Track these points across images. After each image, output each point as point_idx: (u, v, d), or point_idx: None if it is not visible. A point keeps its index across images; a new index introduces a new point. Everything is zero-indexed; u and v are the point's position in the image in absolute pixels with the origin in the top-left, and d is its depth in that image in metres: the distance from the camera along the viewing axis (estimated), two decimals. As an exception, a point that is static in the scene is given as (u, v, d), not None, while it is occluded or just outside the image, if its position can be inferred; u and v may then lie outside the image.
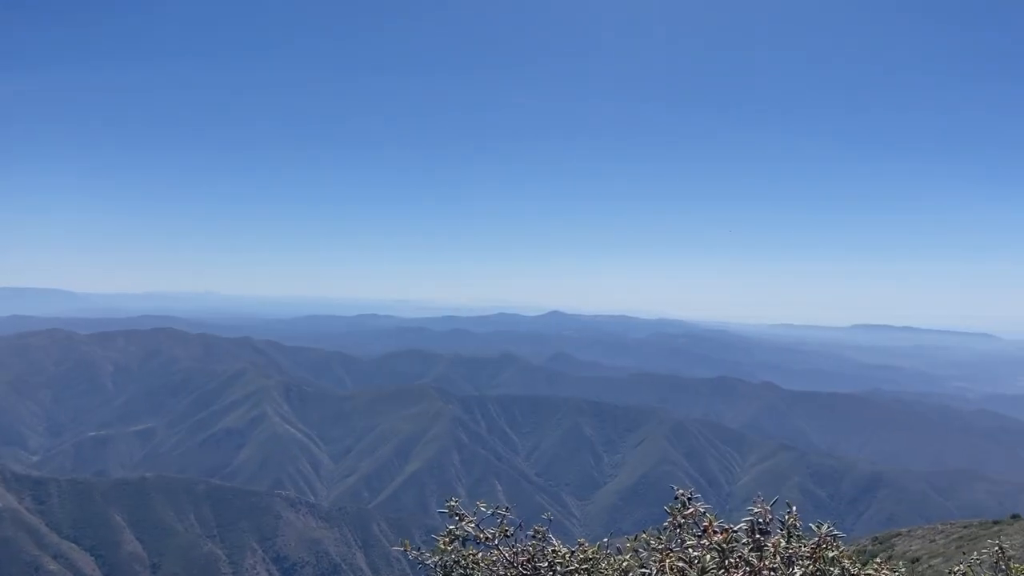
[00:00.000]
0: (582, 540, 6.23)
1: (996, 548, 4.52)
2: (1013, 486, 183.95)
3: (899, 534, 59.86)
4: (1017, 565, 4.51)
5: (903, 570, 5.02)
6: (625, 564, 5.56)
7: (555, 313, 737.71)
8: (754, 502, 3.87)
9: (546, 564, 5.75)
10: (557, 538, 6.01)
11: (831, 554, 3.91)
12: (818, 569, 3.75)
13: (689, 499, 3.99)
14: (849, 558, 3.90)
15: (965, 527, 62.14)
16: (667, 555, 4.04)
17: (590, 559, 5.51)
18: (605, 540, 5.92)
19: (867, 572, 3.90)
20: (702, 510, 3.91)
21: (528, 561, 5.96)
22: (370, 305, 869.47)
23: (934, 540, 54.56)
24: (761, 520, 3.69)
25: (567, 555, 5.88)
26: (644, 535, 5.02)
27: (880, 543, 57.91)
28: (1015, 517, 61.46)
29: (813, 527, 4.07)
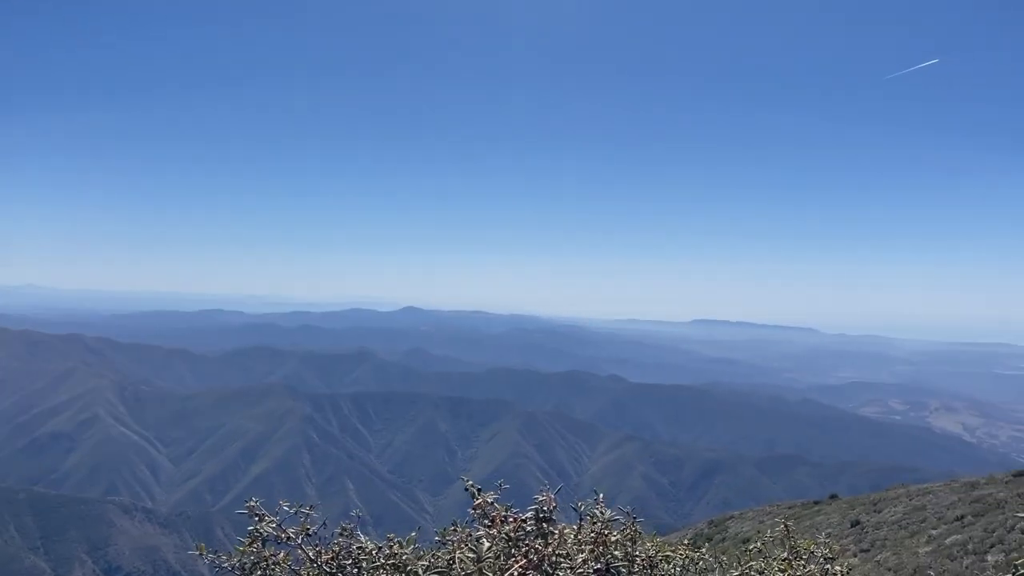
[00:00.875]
0: (391, 535, 5.97)
1: (783, 524, 4.66)
2: (833, 468, 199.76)
3: (732, 517, 63.53)
4: (804, 540, 4.69)
5: (705, 551, 5.14)
6: (433, 558, 5.36)
7: (411, 308, 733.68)
8: (540, 492, 3.79)
9: (351, 562, 5.45)
10: (414, 534, 5.70)
11: (614, 538, 3.90)
12: (601, 552, 3.73)
13: (479, 491, 3.85)
14: (633, 541, 3.92)
15: (790, 508, 66.84)
16: (459, 547, 3.93)
17: (395, 554, 5.27)
18: (414, 534, 5.69)
19: (650, 552, 3.93)
20: (490, 500, 3.78)
21: (332, 559, 5.64)
22: (214, 300, 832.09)
23: (763, 521, 58.33)
24: (545, 509, 3.61)
25: (374, 551, 5.61)
26: (450, 528, 4.85)
27: (715, 526, 61.29)
28: (833, 497, 66.75)
29: (596, 513, 4.04)
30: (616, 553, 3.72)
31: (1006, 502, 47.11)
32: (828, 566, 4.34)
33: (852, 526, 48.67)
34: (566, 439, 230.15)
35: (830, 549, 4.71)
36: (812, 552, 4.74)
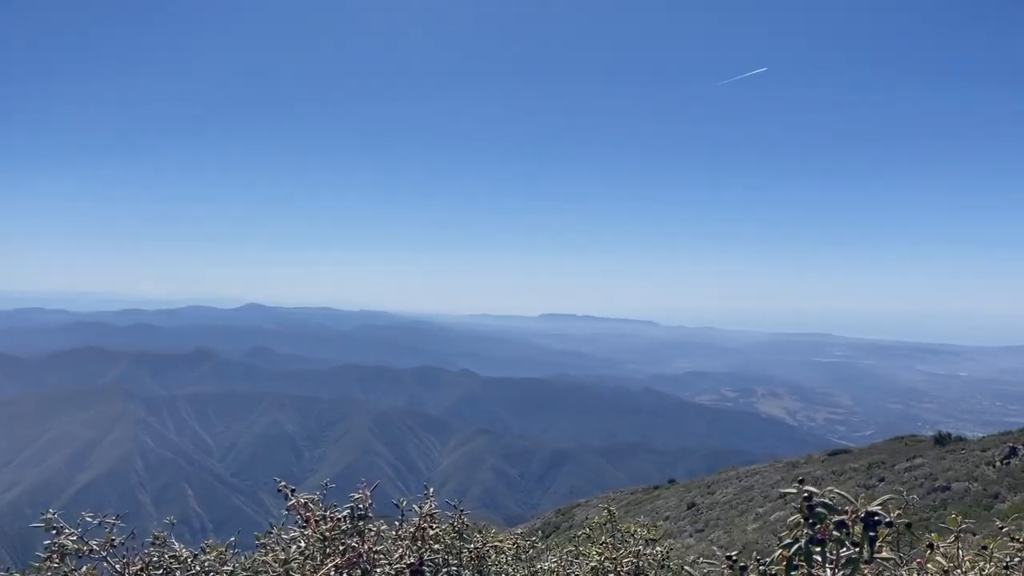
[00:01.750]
0: (209, 540, 5.58)
1: (606, 510, 4.73)
2: (672, 454, 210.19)
3: (579, 504, 65.56)
4: (628, 524, 4.78)
5: (535, 538, 5.15)
6: (252, 562, 5.05)
7: (253, 306, 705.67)
8: (358, 487, 3.63)
9: (161, 572, 5.04)
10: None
11: (432, 531, 3.81)
12: (420, 546, 3.63)
13: (292, 491, 3.63)
14: (460, 534, 3.87)
15: (632, 493, 69.79)
16: (269, 550, 3.72)
17: (202, 561, 4.91)
18: (232, 539, 5.34)
19: (478, 544, 3.89)
20: (303, 500, 3.57)
21: (142, 571, 5.19)
22: (34, 298, 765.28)
23: (607, 507, 60.54)
24: (361, 506, 3.45)
25: (189, 560, 5.21)
26: (275, 530, 4.57)
27: (562, 514, 63.00)
28: (671, 481, 70.22)
29: (416, 507, 3.94)
30: (436, 547, 3.65)
31: (823, 479, 51.27)
32: (649, 548, 4.46)
33: (688, 508, 51.35)
34: (418, 435, 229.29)
35: (648, 531, 4.84)
36: (634, 535, 4.85)
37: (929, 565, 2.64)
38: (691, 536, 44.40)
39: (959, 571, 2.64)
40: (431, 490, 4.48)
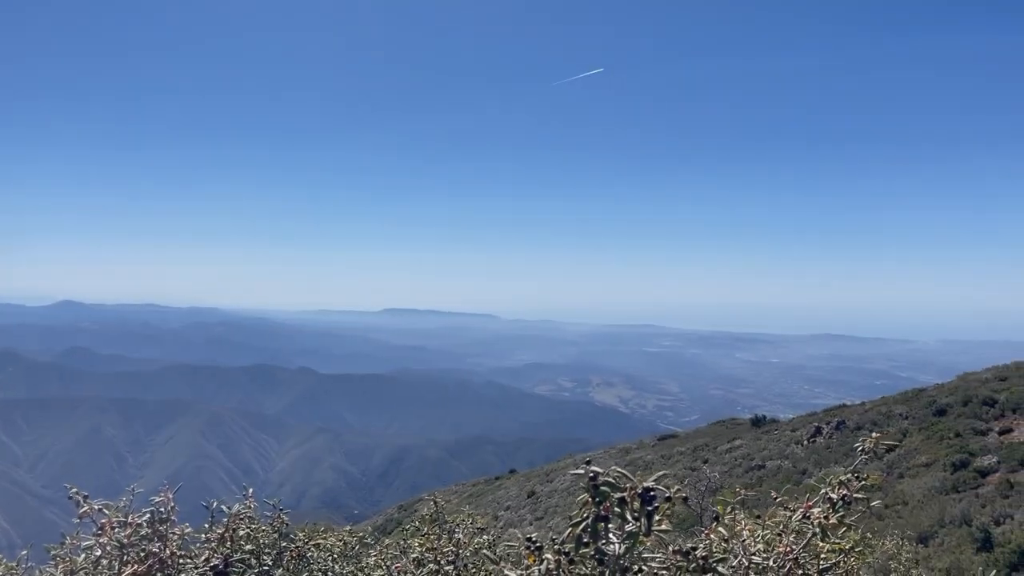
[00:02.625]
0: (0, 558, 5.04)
1: (432, 501, 4.69)
2: (513, 445, 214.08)
3: (421, 499, 65.35)
4: (455, 515, 4.78)
5: (363, 534, 5.01)
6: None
7: (68, 303, 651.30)
8: (159, 491, 3.36)
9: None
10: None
11: (242, 532, 3.60)
12: (229, 548, 3.43)
13: (85, 498, 3.35)
14: (280, 534, 3.69)
15: (475, 485, 70.50)
16: (59, 561, 3.39)
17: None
18: (24, 553, 4.84)
19: (298, 543, 3.72)
20: (97, 507, 3.34)
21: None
22: None
23: (449, 500, 60.85)
24: (163, 509, 3.31)
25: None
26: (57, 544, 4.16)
27: (405, 510, 62.59)
28: (512, 471, 71.52)
29: (239, 507, 3.72)
30: (247, 547, 3.45)
31: (653, 463, 53.89)
32: (477, 537, 4.45)
33: (528, 496, 52.46)
34: (253, 436, 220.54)
35: (474, 520, 4.86)
36: (460, 525, 4.83)
37: (712, 535, 2.86)
38: (531, 524, 45.37)
39: (737, 539, 2.88)
40: (251, 491, 4.25)
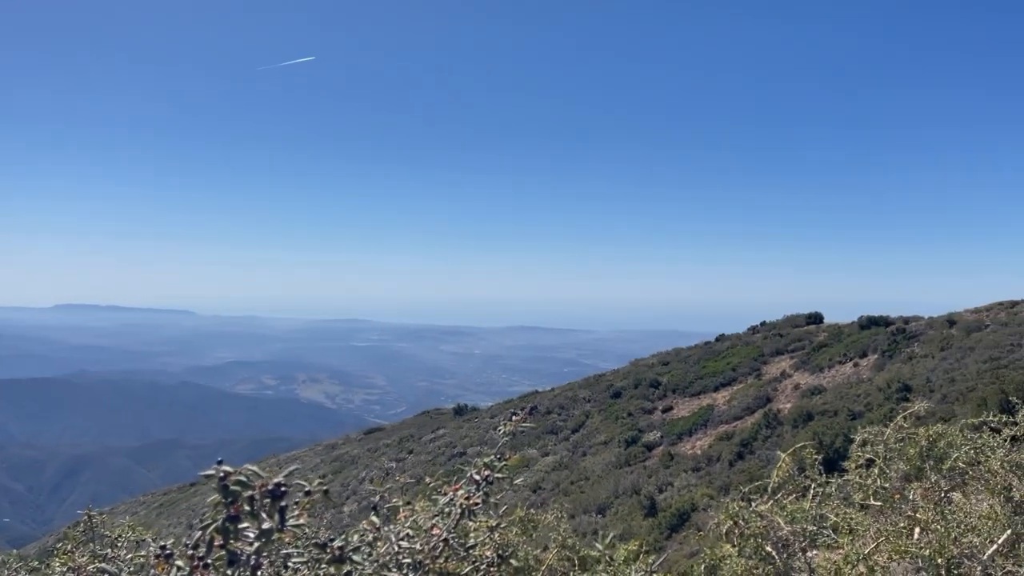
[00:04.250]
0: None
1: (86, 517, 4.44)
2: (211, 448, 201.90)
3: (102, 513, 59.34)
4: (118, 528, 4.57)
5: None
6: None
7: None
8: None
9: None
10: None
11: None
12: None
13: None
14: None
15: (166, 493, 65.54)
16: None
17: None
18: None
19: None
20: None
21: None
22: None
23: (136, 512, 55.78)
24: None
25: None
26: None
27: (79, 526, 56.39)
28: (207, 476, 67.41)
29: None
30: None
31: (359, 457, 54.08)
32: (138, 550, 4.26)
33: (227, 501, 49.96)
34: None
35: (137, 532, 4.67)
36: (121, 537, 4.63)
37: (364, 524, 2.98)
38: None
39: (392, 525, 3.00)
40: None
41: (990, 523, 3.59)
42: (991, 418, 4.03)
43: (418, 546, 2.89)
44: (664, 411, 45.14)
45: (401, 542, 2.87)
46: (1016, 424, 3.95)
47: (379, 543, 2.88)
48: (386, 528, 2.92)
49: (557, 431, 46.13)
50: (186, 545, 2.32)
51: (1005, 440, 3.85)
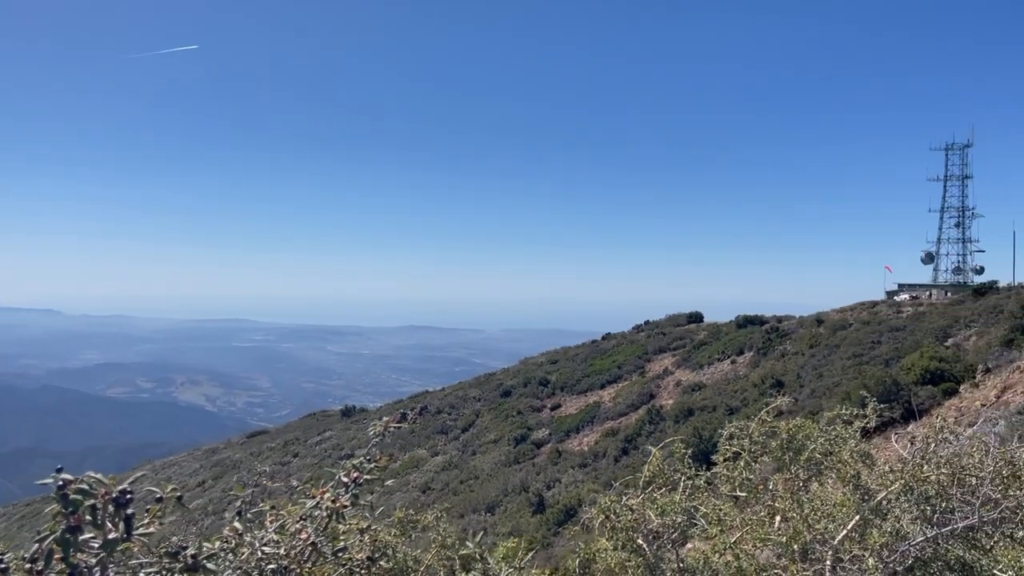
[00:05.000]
0: None
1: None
2: (78, 455, 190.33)
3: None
4: None
5: None
6: None
7: None
8: None
9: None
10: None
11: None
12: None
13: None
14: None
15: (28, 505, 61.40)
16: None
17: None
18: None
19: None
20: None
21: None
22: None
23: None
24: None
25: None
26: None
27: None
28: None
29: None
30: None
31: (241, 462, 52.34)
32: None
33: (97, 512, 47.42)
34: None
35: None
36: None
37: (226, 531, 2.92)
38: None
39: (256, 531, 2.95)
40: None
41: (843, 510, 3.89)
42: (845, 412, 4.35)
43: (283, 551, 2.80)
44: (553, 409, 45.90)
45: (264, 547, 2.77)
46: (867, 417, 4.28)
47: (242, 549, 2.78)
48: (250, 534, 2.83)
49: (447, 431, 46.14)
50: (23, 558, 2.20)
51: (856, 431, 4.18)
